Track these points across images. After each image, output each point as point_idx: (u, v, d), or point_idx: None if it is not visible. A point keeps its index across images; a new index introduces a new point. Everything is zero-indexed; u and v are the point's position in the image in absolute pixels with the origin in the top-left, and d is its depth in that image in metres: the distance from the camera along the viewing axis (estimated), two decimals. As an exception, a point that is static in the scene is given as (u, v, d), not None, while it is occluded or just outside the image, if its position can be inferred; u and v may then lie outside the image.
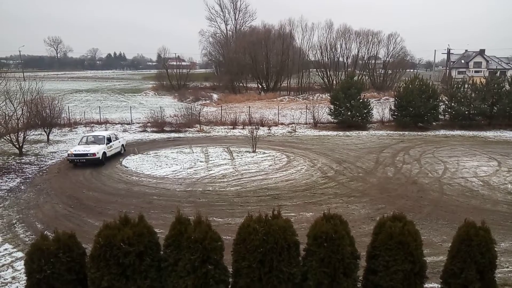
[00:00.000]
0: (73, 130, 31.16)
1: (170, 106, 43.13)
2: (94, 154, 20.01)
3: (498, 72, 39.75)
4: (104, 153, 20.83)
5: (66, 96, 52.54)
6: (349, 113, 31.51)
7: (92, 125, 32.75)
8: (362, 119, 31.99)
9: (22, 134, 22.75)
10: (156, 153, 23.26)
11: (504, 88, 32.40)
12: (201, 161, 21.16)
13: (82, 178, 18.41)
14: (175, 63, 78.13)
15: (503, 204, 14.49)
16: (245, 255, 6.18)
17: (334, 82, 61.45)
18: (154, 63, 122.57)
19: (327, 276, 6.11)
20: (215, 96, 58.80)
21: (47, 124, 26.91)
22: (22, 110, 23.22)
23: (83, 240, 7.07)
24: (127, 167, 20.18)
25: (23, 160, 21.64)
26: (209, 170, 19.37)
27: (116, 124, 33.51)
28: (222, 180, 17.82)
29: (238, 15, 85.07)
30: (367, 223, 12.52)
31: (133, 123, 33.70)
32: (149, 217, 9.43)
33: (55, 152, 23.59)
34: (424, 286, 6.38)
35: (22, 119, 23.01)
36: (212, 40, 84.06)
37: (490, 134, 29.52)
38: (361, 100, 32.03)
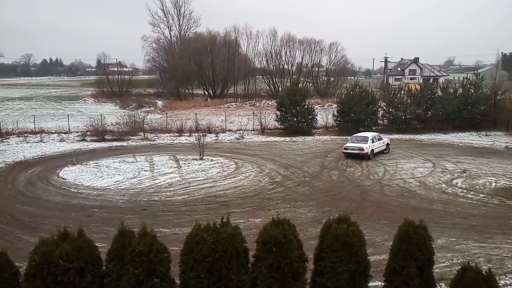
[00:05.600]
0: (5, 140, 28.94)
1: (111, 114, 41.57)
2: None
3: (431, 79, 42.61)
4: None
5: (-4, 104, 48.85)
6: (295, 119, 32.21)
7: (26, 135, 30.65)
8: (307, 125, 32.85)
9: None
10: (96, 163, 22.21)
11: (436, 94, 34.84)
12: (145, 170, 20.52)
13: (15, 192, 17.12)
14: (116, 69, 75.37)
15: (438, 203, 15.45)
16: (193, 265, 6.03)
17: (280, 89, 62.56)
18: (93, 69, 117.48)
19: (276, 281, 6.10)
20: (159, 103, 57.58)
21: (-26, 134, 24.80)
22: None
23: (16, 259, 6.54)
24: (64, 179, 19.07)
25: None
26: (154, 179, 18.84)
27: (52, 133, 31.63)
28: (168, 189, 17.40)
29: (182, 21, 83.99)
30: (314, 226, 12.77)
31: (71, 132, 32.01)
32: (89, 231, 8.98)
33: (-16, 165, 21.75)
34: (369, 285, 6.56)
35: None
36: (155, 46, 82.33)
37: (425, 137, 31.49)
38: (306, 107, 32.91)
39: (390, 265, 6.67)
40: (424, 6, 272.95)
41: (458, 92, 35.10)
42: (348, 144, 23.70)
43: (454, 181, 18.35)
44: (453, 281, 6.18)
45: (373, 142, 23.52)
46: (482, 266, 8.33)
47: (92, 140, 29.43)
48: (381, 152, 24.24)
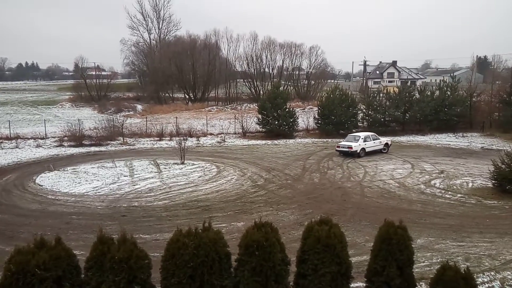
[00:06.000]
0: (-22, 146, 28.07)
1: (89, 118, 40.87)
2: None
3: (409, 82, 43.60)
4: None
5: (-31, 109, 47.38)
6: (276, 122, 32.35)
7: (1, 140, 29.79)
8: (289, 128, 33.03)
9: None
10: (74, 169, 21.75)
11: (414, 97, 35.64)
12: (125, 176, 20.21)
13: (-11, 199, 16.59)
14: (94, 73, 74.10)
15: (417, 203, 15.71)
16: (174, 271, 5.96)
17: (261, 92, 62.69)
18: (71, 73, 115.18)
19: (259, 284, 6.09)
20: (139, 107, 56.96)
21: None
22: None
23: (-10, 270, 6.32)
24: (41, 186, 18.61)
25: None
26: (134, 185, 18.55)
27: (28, 139, 30.82)
28: (148, 194, 17.16)
29: (162, 24, 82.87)
30: (296, 229, 12.79)
31: (48, 138, 31.25)
32: (67, 239, 8.78)
33: (-44, 172, 21.02)
34: (350, 286, 6.61)
35: None
36: (134, 49, 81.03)
37: (403, 139, 32.07)
38: (287, 110, 33.09)
39: (371, 265, 6.74)
40: (399, 16, 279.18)
41: (435, 94, 35.94)
42: (340, 143, 25.61)
43: (432, 182, 18.71)
44: (432, 280, 6.29)
45: (365, 141, 24.92)
46: (461, 264, 8.50)
47: (70, 146, 28.84)
48: (379, 151, 25.60)
